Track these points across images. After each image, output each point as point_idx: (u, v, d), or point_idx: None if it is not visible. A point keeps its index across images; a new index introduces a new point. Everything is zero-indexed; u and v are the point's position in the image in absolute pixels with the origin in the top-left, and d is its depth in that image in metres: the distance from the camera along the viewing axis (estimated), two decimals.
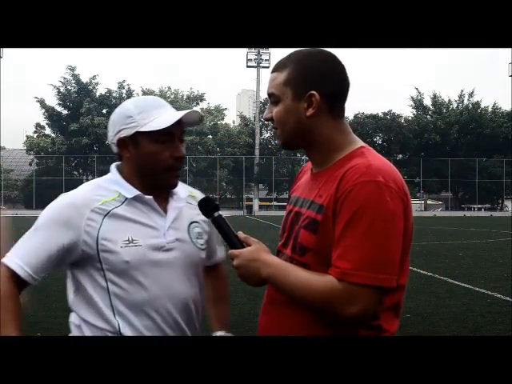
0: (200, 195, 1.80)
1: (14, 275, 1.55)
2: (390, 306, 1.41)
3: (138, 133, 1.60)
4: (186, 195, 1.73)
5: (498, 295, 7.59)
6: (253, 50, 52.88)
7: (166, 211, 1.67)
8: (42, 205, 47.78)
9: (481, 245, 15.60)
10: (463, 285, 8.47)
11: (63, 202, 1.62)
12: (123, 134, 1.62)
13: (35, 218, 1.67)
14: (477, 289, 8.11)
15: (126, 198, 1.62)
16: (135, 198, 1.63)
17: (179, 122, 1.61)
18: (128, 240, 1.58)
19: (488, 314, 6.36)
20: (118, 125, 1.63)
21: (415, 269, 9.89)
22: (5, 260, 1.57)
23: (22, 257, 1.56)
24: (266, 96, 1.55)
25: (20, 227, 2.61)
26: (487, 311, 6.54)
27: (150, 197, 1.63)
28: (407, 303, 6.77)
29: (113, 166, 1.70)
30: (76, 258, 1.59)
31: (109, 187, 1.64)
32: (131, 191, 1.63)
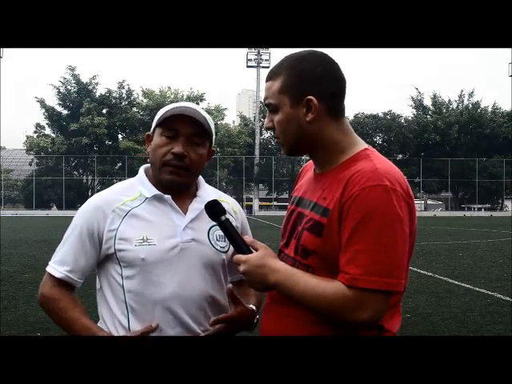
0: (233, 202, 1.84)
1: (60, 282, 1.68)
2: (391, 307, 1.41)
3: (155, 128, 1.69)
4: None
5: (498, 295, 7.60)
6: (253, 49, 52.84)
7: (186, 212, 1.69)
8: (42, 205, 48.02)
9: (481, 245, 15.59)
10: (463, 285, 8.47)
11: (91, 205, 1.70)
12: (151, 130, 1.72)
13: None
14: (477, 289, 8.12)
15: (146, 198, 1.68)
16: (154, 197, 1.68)
17: (187, 122, 1.64)
18: (142, 239, 1.62)
19: (488, 314, 6.36)
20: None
21: (415, 269, 9.90)
22: (49, 269, 1.70)
23: (64, 263, 1.68)
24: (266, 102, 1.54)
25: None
26: (487, 311, 6.54)
27: (169, 196, 1.68)
28: (407, 303, 6.78)
29: (141, 167, 1.78)
30: (102, 258, 1.68)
31: (133, 187, 1.72)
32: (151, 190, 1.69)
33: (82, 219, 1.68)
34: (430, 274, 9.62)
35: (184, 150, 1.64)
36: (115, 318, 1.64)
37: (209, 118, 1.70)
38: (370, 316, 1.32)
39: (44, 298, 1.70)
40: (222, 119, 54.98)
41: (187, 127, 1.65)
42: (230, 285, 1.69)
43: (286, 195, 51.65)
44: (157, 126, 1.68)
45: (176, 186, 1.68)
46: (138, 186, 1.71)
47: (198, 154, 1.67)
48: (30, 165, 51.96)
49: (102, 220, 1.64)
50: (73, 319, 1.64)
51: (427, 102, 56.15)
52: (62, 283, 1.67)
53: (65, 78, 49.75)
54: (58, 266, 1.68)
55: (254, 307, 1.70)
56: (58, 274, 1.67)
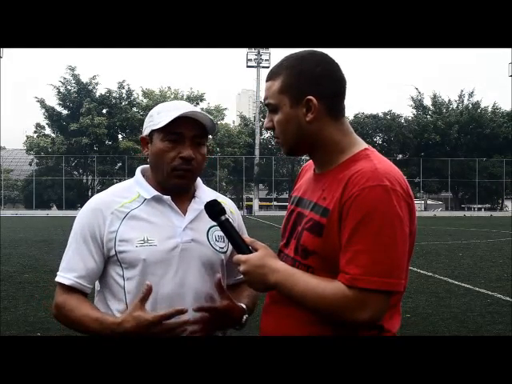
0: (230, 203, 1.84)
1: (70, 289, 1.65)
2: (391, 307, 1.41)
3: (152, 131, 1.67)
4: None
5: (498, 295, 7.60)
6: (253, 49, 52.86)
7: (186, 212, 1.69)
8: (42, 205, 48.03)
9: (481, 245, 15.60)
10: (463, 285, 8.48)
11: (90, 207, 1.69)
12: (144, 132, 1.70)
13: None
14: (477, 289, 8.12)
15: (145, 199, 1.67)
16: (154, 199, 1.67)
17: (190, 124, 1.63)
18: (143, 240, 1.62)
19: (488, 314, 6.36)
20: (144, 125, 1.71)
21: (415, 269, 9.90)
22: (57, 278, 1.68)
23: (71, 270, 1.66)
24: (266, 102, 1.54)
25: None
26: (487, 311, 6.54)
27: (168, 197, 1.67)
28: (407, 303, 6.78)
29: (138, 168, 1.77)
30: (105, 259, 1.67)
31: (131, 189, 1.71)
32: (150, 192, 1.68)
33: (83, 223, 1.67)
34: (430, 274, 9.62)
35: (192, 153, 1.64)
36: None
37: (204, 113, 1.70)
38: (370, 316, 1.32)
39: (56, 309, 1.67)
40: (222, 119, 54.98)
41: (190, 129, 1.64)
42: (219, 274, 1.67)
43: (285, 195, 51.65)
44: (156, 129, 1.65)
45: (182, 188, 1.69)
46: (135, 188, 1.70)
47: (202, 154, 1.68)
48: (30, 165, 51.99)
49: (101, 222, 1.64)
50: (80, 317, 1.61)
51: (427, 101, 56.35)
52: (73, 290, 1.65)
53: (65, 78, 49.83)
54: (65, 274, 1.66)
55: (243, 306, 1.70)
56: (67, 282, 1.65)
